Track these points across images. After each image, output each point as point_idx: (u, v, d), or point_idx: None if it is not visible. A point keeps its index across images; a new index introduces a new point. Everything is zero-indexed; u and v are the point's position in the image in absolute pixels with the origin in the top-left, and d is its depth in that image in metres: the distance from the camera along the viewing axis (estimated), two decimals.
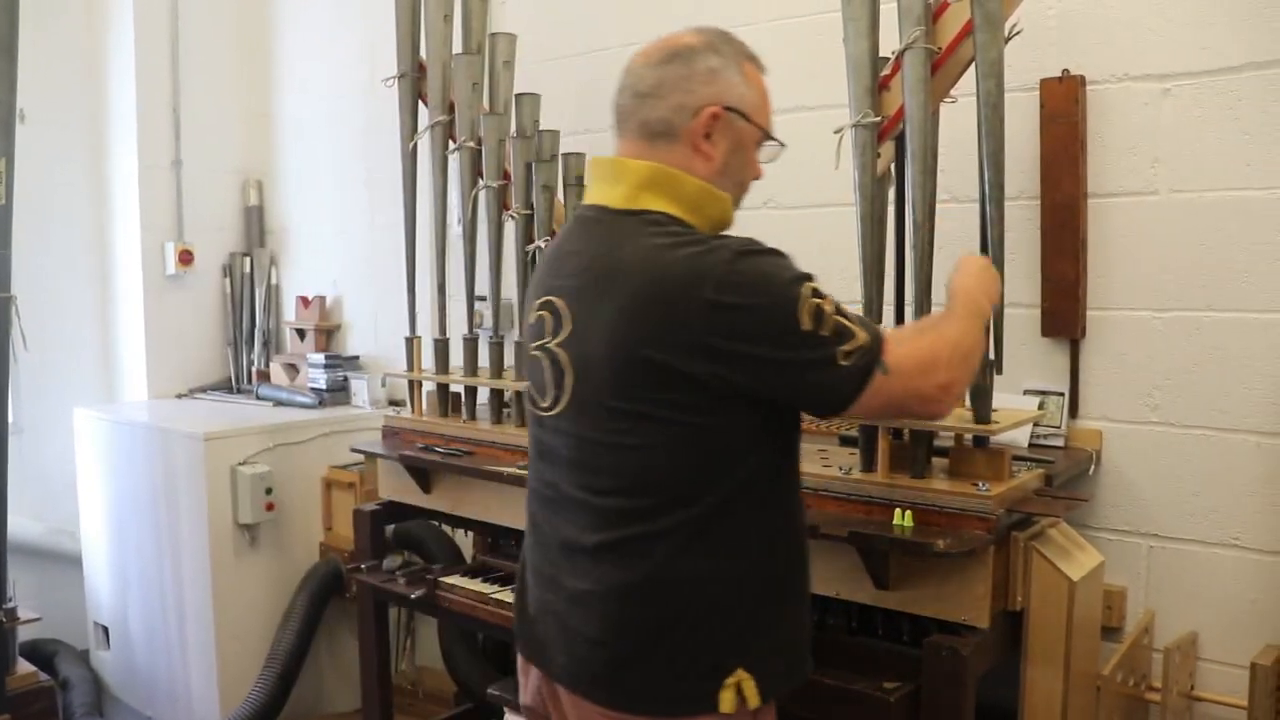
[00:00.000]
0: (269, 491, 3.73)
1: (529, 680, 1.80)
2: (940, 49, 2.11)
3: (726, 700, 1.55)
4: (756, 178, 1.73)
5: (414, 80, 3.10)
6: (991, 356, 2.10)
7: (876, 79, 2.17)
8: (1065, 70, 2.52)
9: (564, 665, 1.66)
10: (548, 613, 1.69)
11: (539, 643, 1.72)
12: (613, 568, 1.58)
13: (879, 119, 2.17)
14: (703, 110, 1.59)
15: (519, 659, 1.83)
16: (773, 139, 1.71)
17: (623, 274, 1.52)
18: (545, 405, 1.65)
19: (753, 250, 1.51)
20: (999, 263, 2.06)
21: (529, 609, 1.76)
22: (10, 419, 3.05)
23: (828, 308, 1.49)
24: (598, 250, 1.58)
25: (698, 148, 1.60)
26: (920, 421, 2.05)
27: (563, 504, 1.66)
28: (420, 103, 3.12)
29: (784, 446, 1.66)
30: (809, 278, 1.52)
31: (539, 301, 1.67)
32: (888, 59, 2.17)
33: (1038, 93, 2.55)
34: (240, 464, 3.72)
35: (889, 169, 2.24)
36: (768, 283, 1.48)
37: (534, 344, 1.66)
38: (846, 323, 1.50)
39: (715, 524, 1.56)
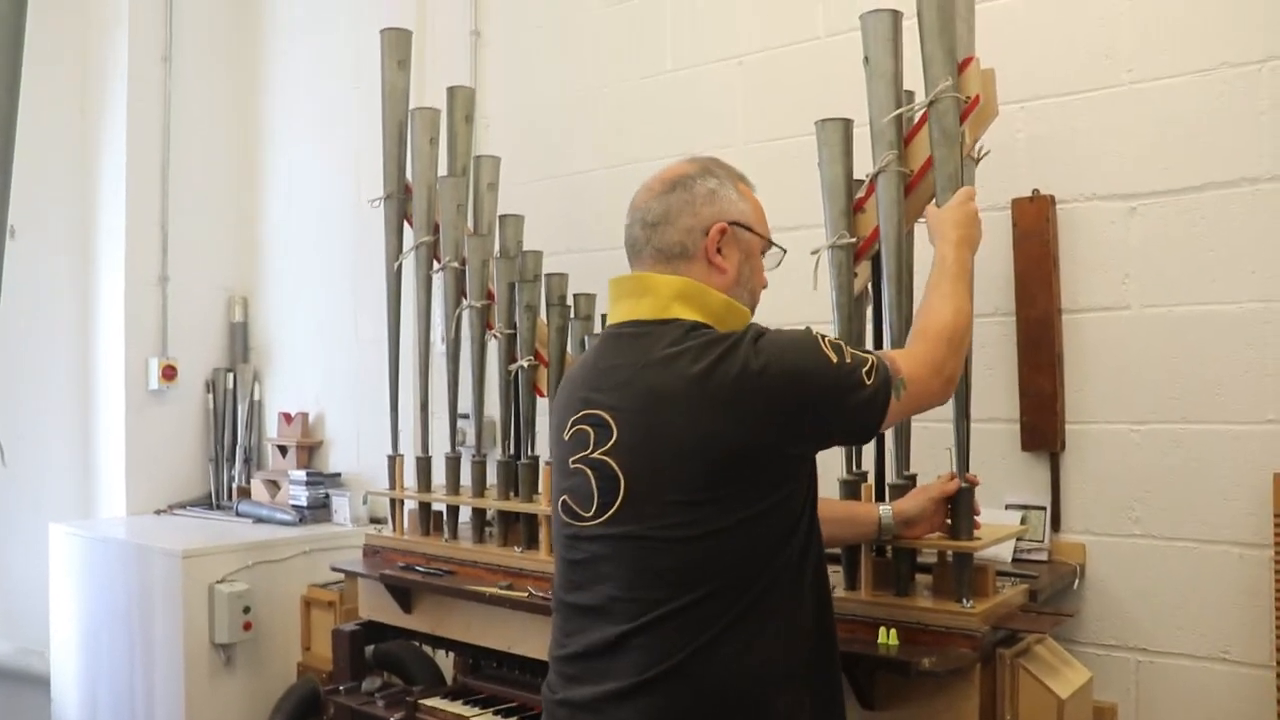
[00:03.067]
0: (247, 610, 3.67)
1: None
2: (912, 171, 2.17)
3: None
4: (764, 287, 1.87)
5: (400, 201, 3.16)
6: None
7: (851, 201, 2.23)
8: (1035, 190, 2.60)
9: None
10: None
11: None
12: (653, 661, 1.58)
13: (855, 240, 2.22)
14: (711, 228, 1.72)
15: None
16: (776, 245, 1.86)
17: (670, 374, 1.60)
18: (589, 515, 1.66)
19: (764, 330, 1.67)
20: (968, 371, 2.08)
21: None
22: None
23: (840, 342, 1.68)
24: (639, 359, 1.65)
25: (712, 262, 1.72)
26: (905, 540, 2.08)
27: (600, 613, 1.65)
28: (405, 223, 3.17)
29: (811, 525, 1.73)
30: (816, 333, 1.68)
31: (577, 416, 1.70)
32: (862, 181, 2.23)
33: (1010, 211, 2.62)
34: (218, 582, 3.66)
35: (866, 288, 2.29)
36: (791, 341, 1.64)
37: (575, 457, 1.68)
38: (856, 351, 1.68)
39: (754, 613, 1.60)
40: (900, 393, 1.68)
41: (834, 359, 1.62)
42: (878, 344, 2.34)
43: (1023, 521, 2.55)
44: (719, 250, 1.72)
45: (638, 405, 1.63)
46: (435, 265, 3.09)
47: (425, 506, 3.08)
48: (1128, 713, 2.50)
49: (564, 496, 1.72)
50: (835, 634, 1.78)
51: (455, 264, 3.03)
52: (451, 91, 3.18)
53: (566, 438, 1.71)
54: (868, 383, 1.63)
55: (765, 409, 1.58)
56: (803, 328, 1.69)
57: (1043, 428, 2.59)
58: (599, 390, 1.68)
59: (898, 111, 2.14)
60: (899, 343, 2.12)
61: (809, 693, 1.66)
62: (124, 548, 3.91)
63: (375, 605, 3.04)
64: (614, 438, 1.63)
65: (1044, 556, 2.54)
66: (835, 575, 2.24)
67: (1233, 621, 2.38)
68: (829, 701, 1.74)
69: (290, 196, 4.66)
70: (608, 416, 1.65)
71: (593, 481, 1.65)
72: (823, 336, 1.66)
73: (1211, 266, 2.41)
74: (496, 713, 2.74)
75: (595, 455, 1.65)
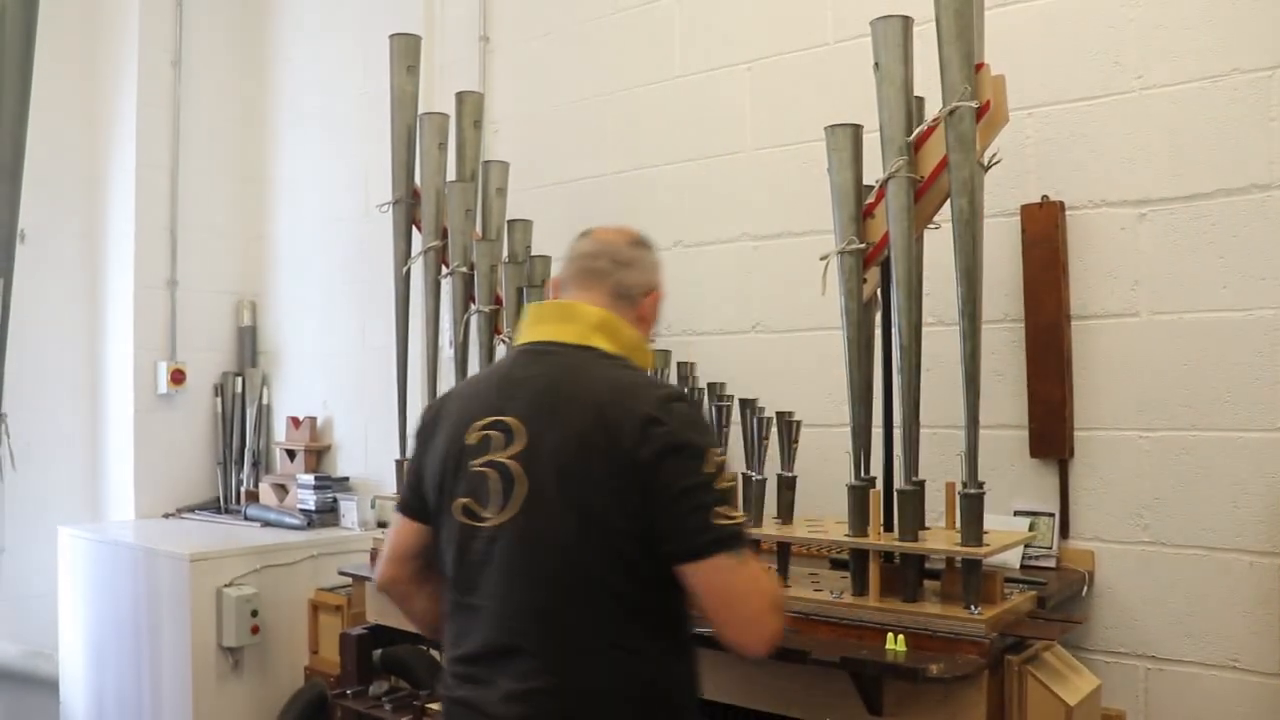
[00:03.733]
0: (254, 614, 3.68)
1: None
2: (922, 177, 2.17)
3: None
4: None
5: (408, 206, 3.16)
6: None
7: (861, 207, 2.23)
8: (1045, 196, 2.60)
9: None
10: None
11: None
12: (541, 666, 1.68)
13: (864, 245, 2.22)
14: (652, 291, 1.96)
15: None
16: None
17: (579, 393, 1.73)
18: (488, 515, 1.74)
19: (688, 400, 1.83)
20: (977, 377, 2.08)
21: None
22: None
23: (729, 478, 1.71)
24: (556, 376, 1.79)
25: (642, 317, 1.94)
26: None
27: (490, 614, 1.74)
28: (414, 228, 3.18)
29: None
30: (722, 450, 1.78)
31: (485, 421, 1.78)
32: (872, 187, 2.23)
33: (1019, 218, 2.62)
34: (226, 586, 3.67)
35: (875, 294, 2.28)
36: (694, 424, 1.74)
37: (477, 461, 1.76)
38: (736, 500, 1.75)
39: (639, 623, 1.70)
40: (741, 553, 1.67)
41: (709, 470, 1.67)
42: (886, 350, 2.34)
43: (1031, 528, 2.54)
44: (652, 308, 1.96)
45: (545, 416, 1.73)
46: (444, 270, 3.09)
47: None
48: None
49: (465, 499, 1.78)
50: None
51: (463, 269, 3.03)
52: (460, 97, 3.19)
53: (468, 441, 1.79)
54: (714, 520, 1.65)
55: (636, 451, 1.66)
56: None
57: (1052, 434, 2.58)
58: (509, 400, 1.78)
59: (920, 129, 2.14)
60: (908, 349, 2.12)
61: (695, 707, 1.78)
62: (132, 551, 3.91)
63: (383, 609, 3.03)
64: (519, 444, 1.73)
65: (1052, 563, 2.54)
66: (843, 581, 2.25)
67: (1242, 630, 2.37)
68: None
69: (299, 201, 4.67)
70: (513, 423, 1.75)
71: (491, 483, 1.74)
72: (721, 455, 1.72)
73: (1222, 273, 2.40)
74: None
75: (499, 458, 1.74)
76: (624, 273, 1.91)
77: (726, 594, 1.67)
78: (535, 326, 1.90)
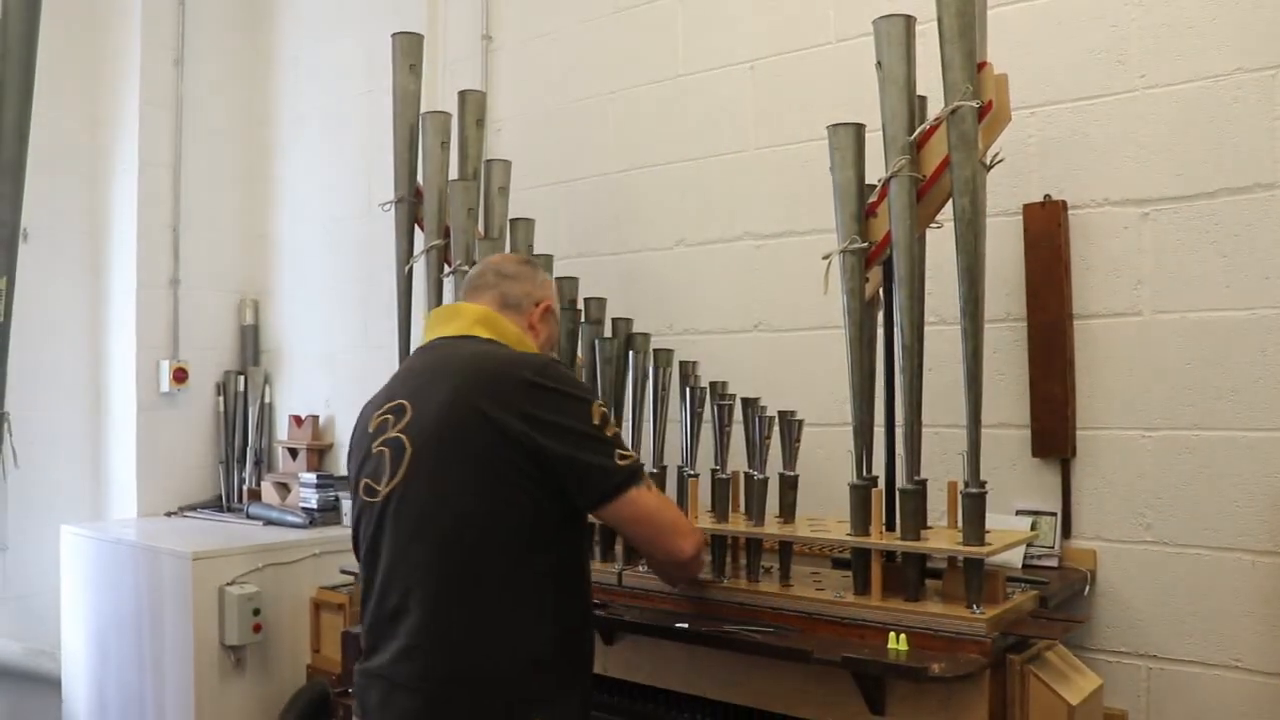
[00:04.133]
0: (257, 613, 3.68)
1: None
2: (924, 176, 2.16)
3: None
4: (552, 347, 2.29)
5: (410, 205, 3.16)
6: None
7: (863, 206, 2.23)
8: (1047, 195, 2.59)
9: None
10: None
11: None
12: (421, 631, 1.81)
13: (866, 244, 2.21)
14: (540, 302, 2.17)
15: None
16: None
17: (456, 363, 1.91)
18: (381, 487, 1.88)
19: (560, 364, 2.06)
20: (979, 376, 2.07)
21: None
22: None
23: (613, 423, 1.94)
24: (435, 361, 1.98)
25: (532, 325, 2.15)
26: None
27: (384, 585, 1.87)
28: (416, 227, 3.18)
29: (578, 546, 2.00)
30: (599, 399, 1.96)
31: (385, 408, 1.95)
32: (874, 186, 2.23)
33: (1021, 217, 2.62)
34: (228, 584, 3.67)
35: (877, 293, 2.28)
36: (572, 382, 1.93)
37: (376, 442, 1.91)
38: (625, 440, 1.93)
39: (517, 583, 1.83)
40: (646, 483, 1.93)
41: (596, 421, 1.87)
42: (888, 349, 2.34)
43: (1033, 527, 2.54)
44: (542, 319, 2.17)
45: (425, 391, 1.89)
46: (446, 269, 3.09)
47: None
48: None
49: (365, 479, 1.93)
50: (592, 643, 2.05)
51: (466, 267, 3.03)
52: (463, 96, 3.19)
53: (370, 429, 1.95)
54: (616, 461, 1.87)
55: (521, 408, 1.82)
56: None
57: (1054, 433, 2.58)
58: (402, 389, 1.96)
59: (922, 127, 2.14)
60: (910, 348, 2.12)
61: (563, 680, 1.88)
62: (135, 549, 3.92)
63: None
64: (406, 418, 1.88)
65: (1054, 563, 2.54)
66: (845, 581, 2.25)
67: (1245, 629, 2.37)
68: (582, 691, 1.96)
69: (302, 200, 4.68)
70: (404, 403, 1.91)
71: (386, 458, 1.88)
72: (601, 405, 1.92)
73: (1225, 272, 2.40)
74: None
75: (390, 434, 1.89)
76: (507, 284, 2.14)
77: (647, 517, 1.93)
78: (430, 330, 2.12)
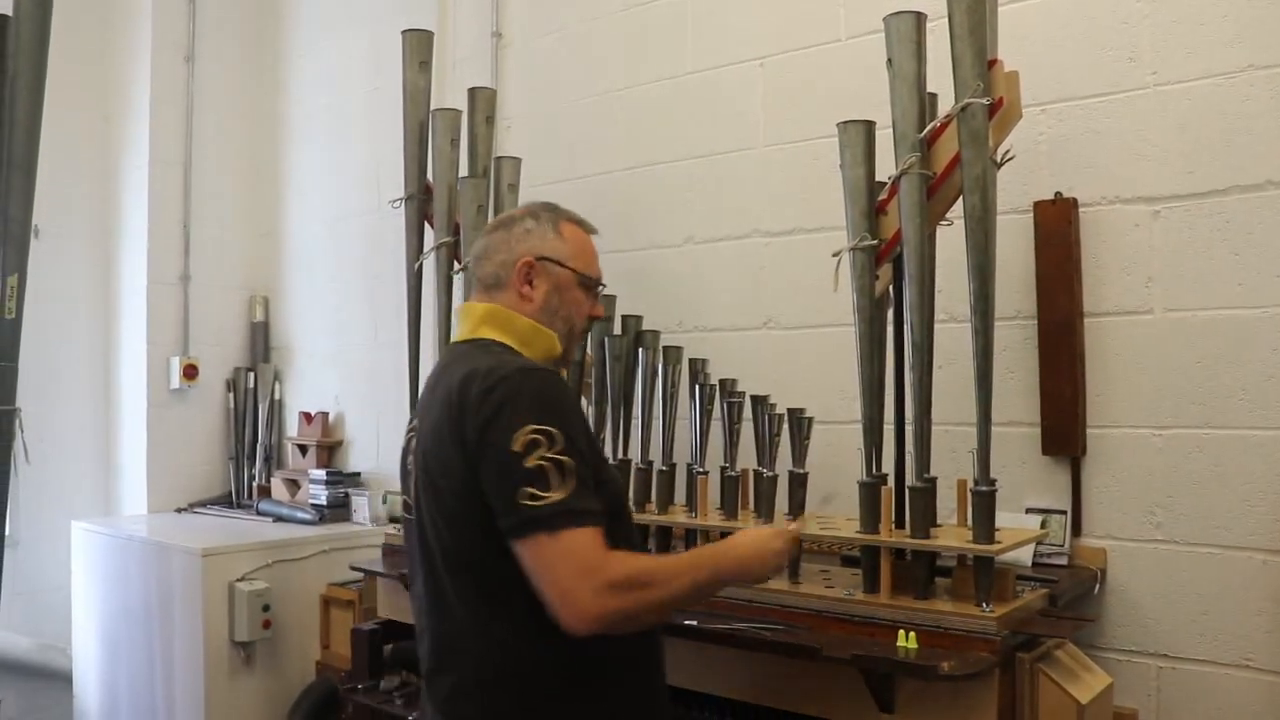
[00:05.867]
0: (266, 609, 3.69)
1: None
2: (935, 174, 2.16)
3: None
4: (595, 316, 2.01)
5: (420, 202, 3.17)
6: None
7: (874, 203, 2.22)
8: (1058, 193, 2.58)
9: None
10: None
11: None
12: (443, 646, 1.79)
13: (877, 242, 2.21)
14: (519, 261, 1.88)
15: None
16: (588, 277, 1.95)
17: (446, 379, 1.79)
18: (409, 511, 1.87)
19: (533, 371, 1.73)
20: (989, 374, 2.08)
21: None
22: (6, 531, 3.04)
23: (546, 454, 1.61)
24: (439, 373, 1.88)
25: (521, 292, 1.89)
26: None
27: (414, 594, 1.87)
28: (426, 224, 3.18)
29: None
30: (558, 422, 1.64)
31: (410, 424, 1.94)
32: (884, 183, 2.22)
33: (1032, 214, 2.61)
34: (238, 580, 3.68)
35: (888, 290, 2.28)
36: (516, 399, 1.66)
37: (407, 460, 1.90)
38: (554, 476, 1.60)
39: (504, 604, 1.70)
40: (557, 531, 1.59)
41: (515, 449, 1.61)
42: (898, 346, 2.33)
43: (1043, 525, 2.54)
44: (529, 281, 1.88)
45: (427, 411, 1.82)
46: (456, 266, 3.09)
47: None
48: (1148, 719, 2.48)
49: (404, 496, 1.92)
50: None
51: None
52: (473, 93, 3.19)
53: (406, 444, 1.93)
54: (519, 500, 1.59)
55: (466, 428, 1.69)
56: (557, 417, 1.64)
57: (1064, 431, 2.58)
58: (422, 401, 1.90)
59: (932, 124, 2.13)
60: (920, 345, 2.12)
61: (563, 685, 1.75)
62: (145, 546, 3.93)
63: (394, 604, 3.05)
64: (417, 437, 1.84)
65: (1064, 561, 2.53)
66: (854, 578, 2.25)
67: (1255, 628, 2.36)
68: (591, 699, 1.80)
69: (312, 197, 4.69)
70: (417, 422, 1.88)
71: (411, 478, 1.86)
72: (540, 435, 1.62)
73: (1236, 270, 2.39)
74: None
75: (413, 453, 1.86)
76: (481, 266, 1.94)
77: (537, 571, 1.60)
78: (454, 330, 2.03)
